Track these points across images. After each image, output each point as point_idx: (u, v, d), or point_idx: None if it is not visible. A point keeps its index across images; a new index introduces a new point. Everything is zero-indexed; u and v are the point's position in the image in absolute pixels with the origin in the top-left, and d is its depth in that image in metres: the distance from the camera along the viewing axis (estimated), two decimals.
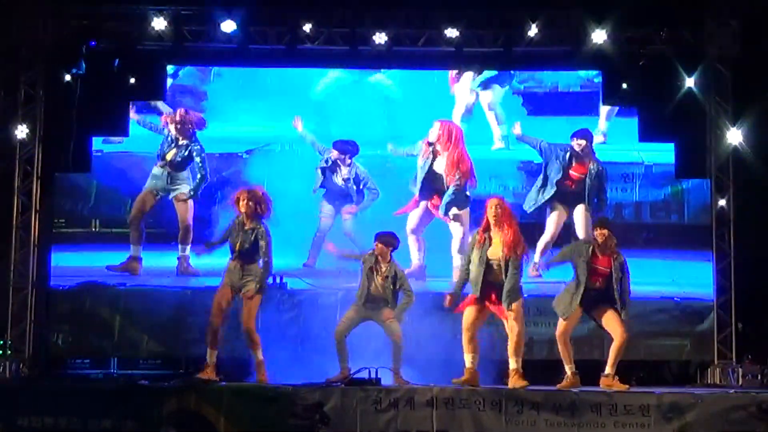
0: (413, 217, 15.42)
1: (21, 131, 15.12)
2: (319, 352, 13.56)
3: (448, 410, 12.08)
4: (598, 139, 15.73)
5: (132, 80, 15.35)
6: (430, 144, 15.30)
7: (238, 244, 12.80)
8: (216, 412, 12.08)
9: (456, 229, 15.26)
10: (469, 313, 12.53)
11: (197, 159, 15.52)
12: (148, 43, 15.30)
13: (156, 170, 15.58)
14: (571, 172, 15.41)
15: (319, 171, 15.54)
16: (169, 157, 15.53)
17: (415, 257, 15.33)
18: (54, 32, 15.15)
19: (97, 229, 15.71)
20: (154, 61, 15.54)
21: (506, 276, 12.31)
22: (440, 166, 15.30)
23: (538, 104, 15.99)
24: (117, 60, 15.29)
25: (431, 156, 15.33)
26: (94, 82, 15.24)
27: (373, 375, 12.49)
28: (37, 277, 15.24)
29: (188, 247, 15.46)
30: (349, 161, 15.49)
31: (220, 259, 13.24)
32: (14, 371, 14.51)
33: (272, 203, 13.03)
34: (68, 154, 15.32)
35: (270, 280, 14.71)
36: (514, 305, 12.33)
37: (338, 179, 15.55)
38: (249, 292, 12.74)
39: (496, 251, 12.40)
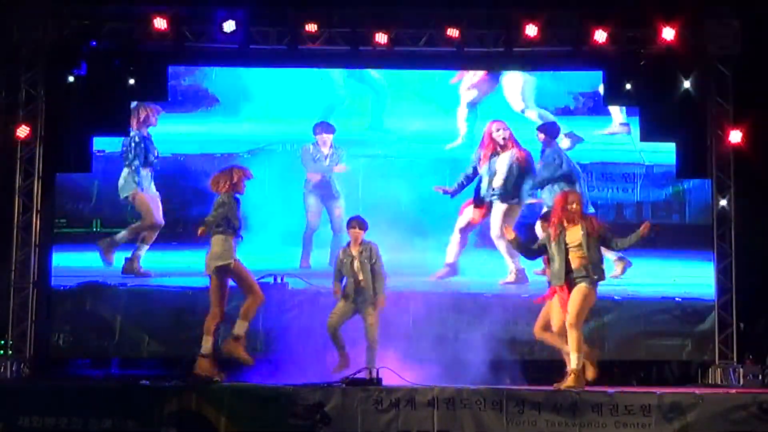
0: (465, 217, 15.55)
1: (22, 131, 15.11)
2: (320, 352, 13.57)
3: (449, 410, 12.09)
4: (622, 129, 15.88)
5: (133, 80, 15.33)
6: (497, 146, 15.45)
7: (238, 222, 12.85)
8: (216, 412, 12.09)
9: (496, 219, 15.46)
10: (557, 309, 12.50)
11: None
12: (149, 44, 15.28)
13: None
14: None
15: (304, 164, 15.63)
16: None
17: (452, 256, 15.51)
18: (55, 32, 15.14)
19: (98, 229, 15.71)
20: (154, 61, 15.51)
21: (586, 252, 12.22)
22: (502, 163, 15.45)
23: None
24: (117, 60, 15.28)
25: (490, 158, 15.49)
26: (94, 82, 15.24)
27: (374, 375, 12.49)
28: (38, 277, 15.23)
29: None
30: (329, 143, 15.55)
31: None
32: (15, 371, 14.51)
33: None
34: (69, 154, 15.32)
35: (271, 279, 14.79)
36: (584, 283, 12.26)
37: (320, 165, 15.59)
38: None
39: (574, 235, 12.34)
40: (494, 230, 15.45)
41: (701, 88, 15.33)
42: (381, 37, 15.13)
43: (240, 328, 12.81)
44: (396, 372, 12.77)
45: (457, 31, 15.16)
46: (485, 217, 15.58)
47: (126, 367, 15.30)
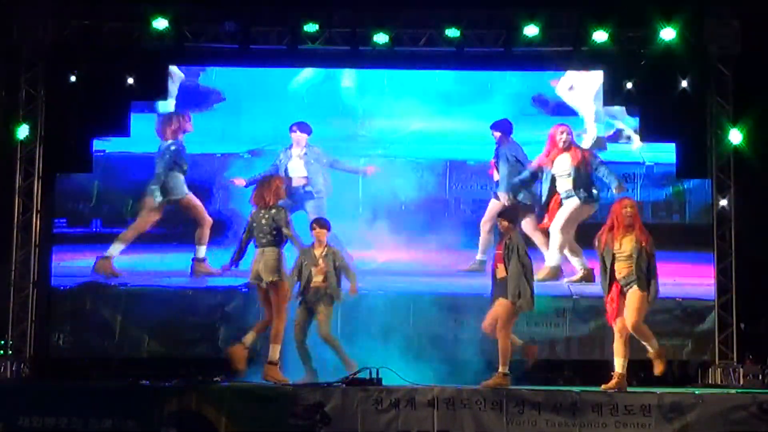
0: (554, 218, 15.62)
1: (22, 131, 15.12)
2: (320, 353, 13.56)
3: (449, 410, 12.07)
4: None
5: (133, 80, 15.33)
6: (562, 149, 15.54)
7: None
8: (217, 412, 12.07)
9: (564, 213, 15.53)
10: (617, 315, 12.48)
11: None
12: (149, 43, 15.28)
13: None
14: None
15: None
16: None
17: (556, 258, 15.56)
18: (55, 32, 15.16)
19: (98, 229, 15.71)
20: (154, 61, 15.53)
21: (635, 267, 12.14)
22: (563, 164, 15.51)
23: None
24: (118, 60, 15.29)
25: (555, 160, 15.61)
26: (95, 82, 15.26)
27: (374, 375, 12.48)
28: (38, 277, 15.25)
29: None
30: (304, 143, 15.60)
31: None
32: (15, 371, 14.52)
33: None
34: (69, 154, 15.33)
35: None
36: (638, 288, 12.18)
37: (292, 167, 15.61)
38: None
39: (628, 244, 12.26)
40: (557, 224, 15.44)
41: (701, 88, 15.35)
42: (381, 37, 15.14)
43: (274, 352, 12.74)
44: (396, 372, 12.76)
45: (457, 31, 15.17)
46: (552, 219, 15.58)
47: (126, 366, 15.27)
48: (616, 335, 12.33)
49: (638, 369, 15.04)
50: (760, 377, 13.86)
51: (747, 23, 15.04)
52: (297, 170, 15.60)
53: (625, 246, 12.21)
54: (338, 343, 13.26)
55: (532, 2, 15.19)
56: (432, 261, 15.49)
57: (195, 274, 15.48)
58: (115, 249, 15.52)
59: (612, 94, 15.70)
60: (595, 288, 15.16)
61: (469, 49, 15.40)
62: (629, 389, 12.52)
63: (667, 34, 14.98)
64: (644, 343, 12.43)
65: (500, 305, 12.64)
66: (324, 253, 13.35)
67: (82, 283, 15.40)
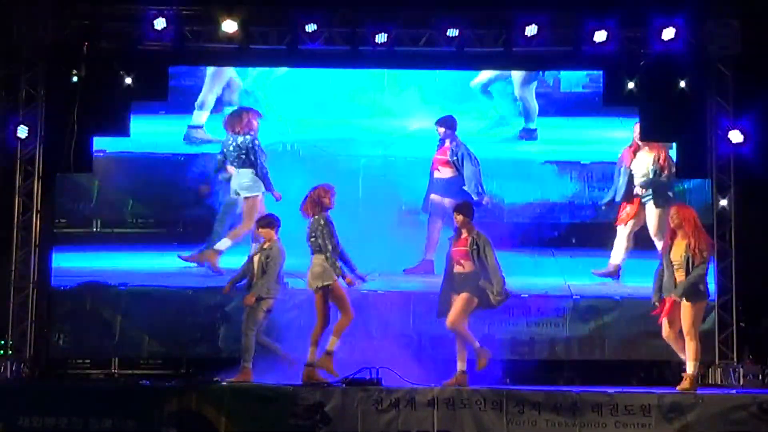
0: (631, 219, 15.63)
1: (22, 131, 15.11)
2: (320, 352, 13.55)
3: (449, 410, 12.11)
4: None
5: (132, 80, 15.33)
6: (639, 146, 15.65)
7: None
8: (217, 412, 12.10)
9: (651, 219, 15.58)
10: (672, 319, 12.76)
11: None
12: (149, 44, 15.25)
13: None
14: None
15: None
16: None
17: (619, 258, 15.61)
18: (55, 32, 15.13)
19: (98, 229, 15.72)
20: (154, 61, 15.50)
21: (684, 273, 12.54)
22: (643, 161, 15.58)
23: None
24: (117, 60, 15.28)
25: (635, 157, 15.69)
26: (94, 82, 15.22)
27: (373, 375, 12.49)
28: (38, 277, 15.23)
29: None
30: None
31: None
32: (15, 371, 14.49)
33: None
34: (69, 154, 15.30)
35: None
36: (685, 300, 12.53)
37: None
38: None
39: (677, 253, 12.61)
40: (652, 230, 15.50)
41: (701, 88, 15.34)
42: (381, 37, 15.13)
43: (332, 344, 12.94)
44: (396, 372, 12.77)
45: (457, 31, 15.16)
46: (637, 213, 15.61)
47: (126, 367, 15.30)
48: (686, 341, 12.70)
49: (638, 369, 15.10)
50: (760, 377, 13.86)
51: (747, 23, 15.03)
52: None
53: (674, 253, 12.66)
54: (250, 341, 13.25)
55: (532, 2, 15.17)
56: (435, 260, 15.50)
57: (200, 258, 15.50)
58: (224, 244, 15.51)
59: (612, 95, 15.68)
60: (596, 288, 15.27)
61: (468, 49, 15.38)
62: (629, 389, 12.55)
63: (667, 34, 14.96)
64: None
65: (464, 300, 12.74)
66: (256, 250, 13.58)
67: (82, 283, 15.38)
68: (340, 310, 13.05)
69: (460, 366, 12.80)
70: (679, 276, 12.53)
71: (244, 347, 13.21)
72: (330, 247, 12.97)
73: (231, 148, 15.48)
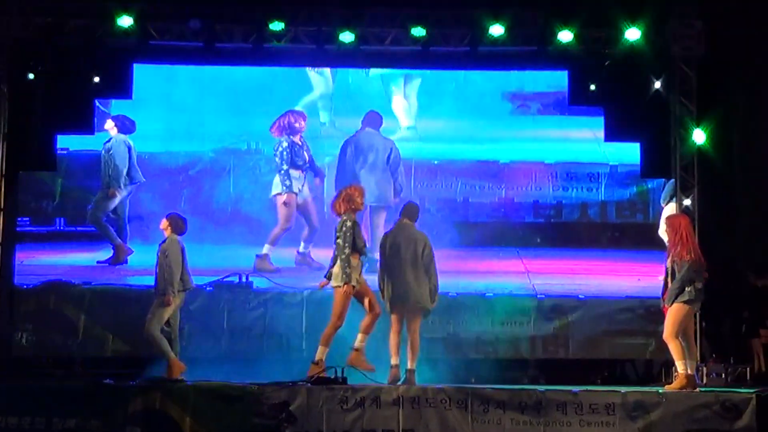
0: None
1: None
2: (284, 351, 13.55)
3: (415, 409, 12.10)
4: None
5: (97, 78, 15.24)
6: None
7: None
8: (181, 411, 12.06)
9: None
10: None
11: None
12: (114, 41, 15.19)
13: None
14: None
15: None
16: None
17: None
18: (18, 29, 15.01)
19: (62, 228, 15.63)
20: (119, 58, 15.43)
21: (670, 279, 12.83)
22: None
23: None
24: (82, 57, 15.19)
25: None
26: (59, 79, 15.13)
27: (339, 374, 12.48)
28: (1, 276, 15.10)
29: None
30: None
31: None
32: None
33: None
34: (33, 151, 15.20)
35: (236, 278, 14.77)
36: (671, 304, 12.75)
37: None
38: None
39: (669, 260, 12.90)
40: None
41: (665, 89, 15.41)
42: (346, 36, 15.11)
43: (359, 341, 12.79)
44: (361, 370, 12.76)
45: (423, 31, 15.16)
46: None
47: (90, 366, 15.17)
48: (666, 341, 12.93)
49: (602, 368, 15.16)
50: (723, 376, 13.92)
51: (710, 24, 15.11)
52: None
53: (668, 261, 12.94)
54: (158, 341, 13.15)
55: (497, 2, 15.18)
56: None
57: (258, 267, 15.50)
58: (265, 249, 15.51)
59: (576, 95, 15.74)
60: (559, 288, 15.32)
61: (434, 48, 15.39)
62: (593, 388, 12.60)
63: (632, 34, 15.02)
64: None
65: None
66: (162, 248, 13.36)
67: (45, 281, 15.27)
68: (366, 307, 12.86)
69: (396, 360, 12.82)
70: (670, 283, 12.77)
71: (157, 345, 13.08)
72: (347, 251, 12.65)
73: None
